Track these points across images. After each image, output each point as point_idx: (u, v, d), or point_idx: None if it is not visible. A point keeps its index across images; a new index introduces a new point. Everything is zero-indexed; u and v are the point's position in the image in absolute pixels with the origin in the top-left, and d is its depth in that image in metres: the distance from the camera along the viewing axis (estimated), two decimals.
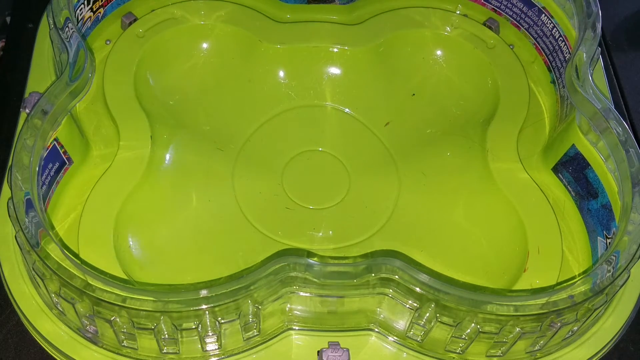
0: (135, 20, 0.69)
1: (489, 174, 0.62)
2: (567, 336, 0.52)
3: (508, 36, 0.71)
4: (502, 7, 0.71)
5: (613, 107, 0.57)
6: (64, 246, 0.55)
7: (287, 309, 0.51)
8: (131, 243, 0.59)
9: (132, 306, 0.46)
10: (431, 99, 0.71)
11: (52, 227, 0.56)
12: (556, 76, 0.67)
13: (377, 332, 0.53)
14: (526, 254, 0.57)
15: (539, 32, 0.69)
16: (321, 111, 0.71)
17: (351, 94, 0.71)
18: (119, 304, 0.46)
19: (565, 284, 0.51)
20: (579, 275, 0.57)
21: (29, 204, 0.49)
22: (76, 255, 0.54)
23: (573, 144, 0.60)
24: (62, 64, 0.59)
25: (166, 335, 0.49)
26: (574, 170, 0.60)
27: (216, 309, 0.47)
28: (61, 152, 0.57)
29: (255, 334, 0.52)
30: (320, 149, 0.69)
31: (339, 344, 0.52)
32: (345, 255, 0.61)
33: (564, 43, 0.66)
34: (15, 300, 0.53)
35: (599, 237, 0.57)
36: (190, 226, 0.62)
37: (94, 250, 0.55)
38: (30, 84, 0.63)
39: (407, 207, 0.65)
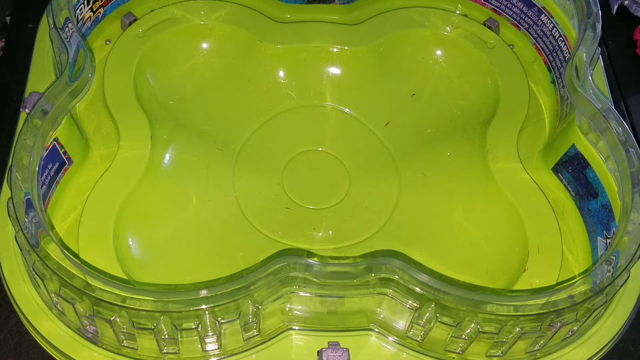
0: (135, 20, 0.69)
1: (489, 174, 0.62)
2: (567, 336, 0.52)
3: (508, 36, 0.71)
4: (502, 7, 0.71)
5: (613, 107, 0.57)
6: (64, 246, 0.55)
7: (287, 309, 0.51)
8: (131, 243, 0.58)
9: (132, 306, 0.46)
10: (431, 99, 0.71)
11: (52, 227, 0.56)
12: (556, 76, 0.67)
13: (377, 332, 0.53)
14: (526, 254, 0.57)
15: (539, 32, 0.69)
16: (321, 111, 0.71)
17: (351, 94, 0.71)
18: (119, 304, 0.46)
19: (565, 284, 0.51)
20: (579, 275, 0.57)
21: (29, 204, 0.49)
22: (76, 255, 0.54)
23: (573, 144, 0.60)
24: (62, 64, 0.59)
25: (166, 335, 0.49)
26: (574, 170, 0.60)
27: (216, 309, 0.47)
28: (61, 152, 0.57)
29: (255, 334, 0.52)
30: (320, 149, 0.69)
31: (339, 344, 0.52)
32: (345, 255, 0.61)
33: (564, 43, 0.66)
34: (15, 300, 0.53)
35: (599, 237, 0.57)
36: (190, 226, 0.62)
37: (94, 250, 0.55)
38: (30, 84, 0.63)
39: (407, 207, 0.65)
